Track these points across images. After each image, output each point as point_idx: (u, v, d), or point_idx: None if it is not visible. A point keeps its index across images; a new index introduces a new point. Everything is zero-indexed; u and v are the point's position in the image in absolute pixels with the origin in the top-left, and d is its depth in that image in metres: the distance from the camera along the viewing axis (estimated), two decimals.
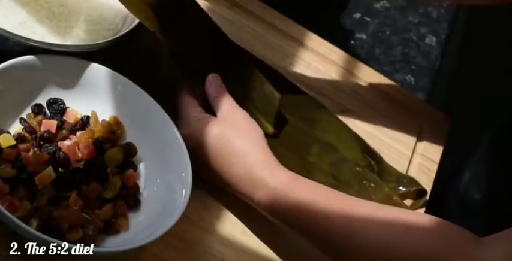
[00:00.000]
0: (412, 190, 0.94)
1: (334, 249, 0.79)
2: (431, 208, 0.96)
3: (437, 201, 0.97)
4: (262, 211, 0.83)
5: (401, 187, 0.94)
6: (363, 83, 1.06)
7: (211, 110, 0.87)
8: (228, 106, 0.87)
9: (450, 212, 0.82)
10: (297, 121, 0.93)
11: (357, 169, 0.91)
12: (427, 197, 0.95)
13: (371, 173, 0.92)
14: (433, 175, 1.03)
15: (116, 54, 0.90)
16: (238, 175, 0.83)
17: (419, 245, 0.75)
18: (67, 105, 0.85)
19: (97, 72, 0.86)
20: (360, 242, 0.77)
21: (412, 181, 0.95)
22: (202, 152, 0.84)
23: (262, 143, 0.85)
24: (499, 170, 1.13)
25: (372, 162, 0.95)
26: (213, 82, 0.88)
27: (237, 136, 0.84)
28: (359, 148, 0.96)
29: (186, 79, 0.89)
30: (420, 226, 0.76)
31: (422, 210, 0.95)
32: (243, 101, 0.88)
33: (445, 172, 1.08)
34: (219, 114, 0.87)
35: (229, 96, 0.88)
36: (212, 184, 0.87)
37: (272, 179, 0.82)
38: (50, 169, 0.78)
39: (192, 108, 0.87)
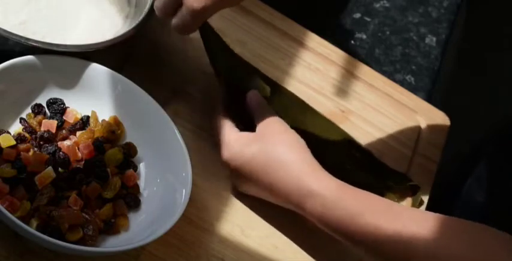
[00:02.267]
0: (405, 186, 0.94)
1: (385, 258, 0.79)
2: (431, 209, 0.96)
3: (438, 201, 0.97)
4: (313, 220, 0.83)
5: (392, 184, 0.94)
6: (362, 83, 1.06)
7: (248, 127, 0.88)
8: (268, 119, 0.87)
9: (452, 214, 0.82)
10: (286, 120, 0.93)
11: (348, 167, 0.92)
12: (427, 196, 0.95)
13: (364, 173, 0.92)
14: (433, 175, 1.03)
15: (116, 54, 0.90)
16: (287, 188, 0.83)
17: (463, 255, 0.75)
18: (67, 105, 0.85)
19: (97, 72, 0.86)
20: (409, 252, 0.77)
21: (404, 178, 0.95)
22: (246, 171, 0.85)
23: (305, 152, 0.84)
24: (503, 173, 1.13)
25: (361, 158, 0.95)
26: (253, 97, 0.89)
27: (279, 149, 0.84)
28: (347, 146, 0.96)
29: (221, 99, 0.90)
30: (468, 235, 0.77)
31: (423, 209, 0.95)
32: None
33: (445, 172, 1.07)
34: (258, 128, 0.87)
35: (270, 109, 0.89)
36: (209, 187, 0.87)
37: (321, 189, 0.81)
38: (50, 169, 0.79)
39: (228, 130, 0.87)
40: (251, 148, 0.84)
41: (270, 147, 0.84)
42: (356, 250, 0.83)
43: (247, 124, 0.88)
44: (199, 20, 0.85)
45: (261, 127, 0.87)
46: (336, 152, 0.94)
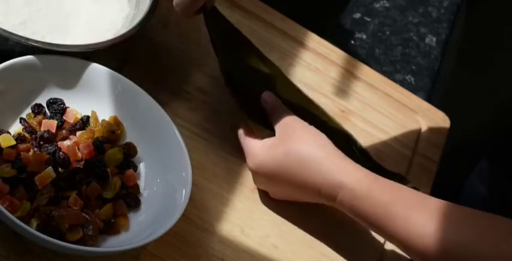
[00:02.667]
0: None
1: (414, 250, 0.81)
2: None
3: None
4: (344, 211, 0.84)
5: None
6: (362, 83, 1.06)
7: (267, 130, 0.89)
8: (286, 119, 0.88)
9: None
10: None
11: None
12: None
13: None
14: (433, 175, 1.03)
15: (116, 54, 0.90)
16: (317, 184, 0.84)
17: (500, 249, 0.76)
18: (67, 105, 0.85)
19: (97, 72, 0.86)
20: (438, 244, 0.78)
21: (402, 179, 0.96)
22: (277, 175, 0.85)
23: (330, 146, 0.85)
24: (503, 165, 1.13)
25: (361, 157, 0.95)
26: (268, 99, 0.90)
27: (305, 147, 0.84)
28: (347, 142, 0.96)
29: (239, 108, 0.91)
30: (500, 229, 0.78)
31: None
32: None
33: (445, 172, 1.08)
34: (277, 130, 0.87)
35: (286, 108, 0.90)
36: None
37: (351, 181, 0.82)
38: (50, 169, 0.79)
39: (249, 139, 0.89)
40: (277, 152, 0.85)
41: (296, 147, 0.85)
42: (385, 238, 0.85)
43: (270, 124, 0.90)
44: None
45: (280, 128, 0.88)
46: (337, 146, 0.94)
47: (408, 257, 0.87)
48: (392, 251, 0.93)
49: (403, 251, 0.84)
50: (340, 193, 0.83)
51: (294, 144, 0.85)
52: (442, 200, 0.82)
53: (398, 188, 0.83)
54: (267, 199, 0.91)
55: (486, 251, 0.77)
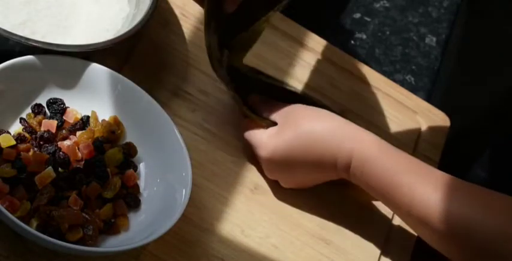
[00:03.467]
0: None
1: (418, 219, 0.82)
2: None
3: None
4: (357, 182, 0.85)
5: None
6: (363, 83, 1.06)
7: None
8: (280, 108, 0.89)
9: None
10: None
11: None
12: None
13: None
14: None
15: (116, 54, 0.90)
16: (333, 156, 0.84)
17: (500, 223, 0.78)
18: (67, 105, 0.85)
19: (97, 72, 0.86)
20: (441, 214, 0.79)
21: None
22: (291, 159, 0.86)
23: (335, 117, 0.87)
24: (504, 149, 1.13)
25: None
26: (255, 100, 0.91)
27: (314, 124, 0.86)
28: None
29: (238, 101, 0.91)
30: (502, 204, 0.79)
31: None
32: None
33: (445, 172, 1.07)
34: (278, 119, 0.88)
35: (277, 103, 0.90)
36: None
37: (361, 146, 0.84)
38: (50, 169, 0.78)
39: (255, 131, 0.89)
40: (287, 135, 0.86)
41: (304, 126, 0.86)
42: (389, 207, 0.86)
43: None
44: None
45: (280, 117, 0.88)
46: None
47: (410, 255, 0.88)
48: (392, 252, 0.93)
49: (407, 223, 0.85)
50: (352, 160, 0.84)
51: (302, 123, 0.86)
52: (449, 174, 0.83)
53: (407, 156, 0.84)
54: (267, 199, 0.91)
55: (489, 226, 0.78)
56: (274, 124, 0.89)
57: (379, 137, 0.86)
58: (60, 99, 0.85)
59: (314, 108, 0.89)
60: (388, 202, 0.85)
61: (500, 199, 0.80)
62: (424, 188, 0.81)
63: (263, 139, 0.88)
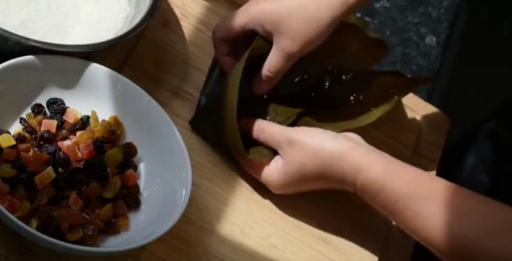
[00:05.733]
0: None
1: (422, 240, 0.82)
2: None
3: None
4: (362, 197, 0.86)
5: None
6: None
7: None
8: (277, 134, 0.88)
9: None
10: None
11: None
12: None
13: None
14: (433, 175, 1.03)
15: (116, 54, 0.90)
16: (341, 174, 0.85)
17: (505, 245, 0.77)
18: (67, 105, 0.85)
19: (97, 72, 0.86)
20: (445, 238, 0.79)
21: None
22: (304, 183, 0.87)
23: (337, 136, 0.87)
24: (505, 152, 1.13)
25: None
26: (249, 123, 0.90)
27: (325, 145, 0.85)
28: None
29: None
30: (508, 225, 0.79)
31: None
32: None
33: (445, 172, 1.07)
34: (280, 147, 0.87)
35: (274, 125, 0.89)
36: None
37: (368, 167, 0.84)
38: (50, 169, 0.78)
39: (261, 171, 0.88)
40: (295, 165, 0.86)
41: (312, 149, 0.85)
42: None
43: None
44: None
45: (281, 144, 0.87)
46: None
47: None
48: (392, 253, 0.93)
49: (424, 245, 0.85)
50: (358, 178, 0.84)
51: (308, 148, 0.85)
52: (453, 187, 0.82)
53: (414, 176, 0.84)
54: (267, 199, 0.91)
55: (494, 248, 0.78)
56: (274, 152, 0.88)
57: (388, 157, 0.86)
58: (60, 99, 0.85)
59: (306, 128, 0.88)
60: (393, 219, 0.86)
61: (507, 218, 0.80)
62: (428, 212, 0.81)
63: (272, 175, 0.87)
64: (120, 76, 0.87)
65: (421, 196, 0.82)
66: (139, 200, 0.83)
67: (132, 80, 0.87)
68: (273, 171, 0.87)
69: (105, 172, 0.81)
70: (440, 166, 1.05)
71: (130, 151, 0.85)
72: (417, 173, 0.85)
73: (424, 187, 0.83)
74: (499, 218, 0.80)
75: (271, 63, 0.88)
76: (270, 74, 0.89)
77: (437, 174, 1.03)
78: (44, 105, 0.85)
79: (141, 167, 0.86)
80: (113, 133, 0.85)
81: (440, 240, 0.80)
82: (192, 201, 0.82)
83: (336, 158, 0.85)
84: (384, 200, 0.83)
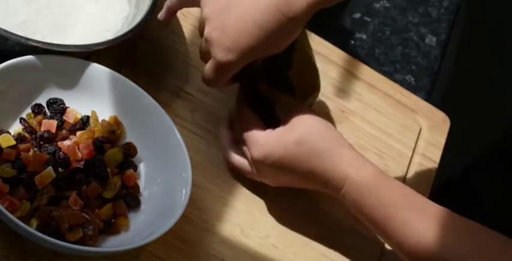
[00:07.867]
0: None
1: (407, 253, 0.82)
2: None
3: (437, 201, 0.97)
4: (347, 205, 0.85)
5: None
6: (363, 83, 1.06)
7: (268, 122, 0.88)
8: (290, 106, 0.87)
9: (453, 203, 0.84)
10: None
11: None
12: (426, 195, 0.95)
13: None
14: (433, 175, 1.03)
15: (116, 54, 0.90)
16: (325, 175, 0.84)
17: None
18: (67, 105, 0.85)
19: (97, 72, 0.86)
20: (432, 251, 0.79)
21: None
22: (284, 164, 0.85)
23: (338, 135, 0.86)
24: (504, 148, 1.13)
25: None
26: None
27: (317, 138, 0.85)
28: None
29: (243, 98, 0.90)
30: (494, 243, 0.80)
31: None
32: None
33: (445, 172, 1.08)
34: (283, 117, 0.87)
35: (287, 96, 0.89)
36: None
37: (356, 175, 0.83)
38: (50, 169, 0.79)
39: (254, 129, 0.87)
40: (287, 140, 0.84)
41: (308, 136, 0.84)
42: (381, 237, 0.86)
43: (266, 120, 0.88)
44: (224, 73, 0.84)
45: (286, 115, 0.87)
46: None
47: None
48: (392, 252, 0.93)
49: (396, 252, 0.84)
50: (344, 186, 0.83)
51: (305, 133, 0.85)
52: (443, 208, 0.82)
53: (403, 190, 0.84)
54: (267, 199, 0.91)
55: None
56: (277, 124, 0.88)
57: (379, 169, 0.85)
58: (60, 99, 0.85)
59: (318, 118, 0.87)
60: (379, 232, 0.85)
61: (493, 237, 0.80)
62: (418, 226, 0.81)
63: (261, 138, 0.86)
64: (120, 76, 0.87)
65: (413, 207, 0.82)
66: (139, 200, 0.83)
67: (132, 80, 0.87)
68: (263, 133, 0.86)
69: (105, 172, 0.81)
70: (440, 166, 1.05)
71: (130, 151, 0.85)
72: (404, 187, 0.85)
73: (415, 200, 0.83)
74: (485, 236, 0.80)
75: None
76: None
77: (437, 174, 1.04)
78: (44, 105, 0.85)
79: (141, 167, 0.86)
80: (113, 133, 0.85)
81: (430, 255, 0.80)
82: (192, 201, 0.82)
83: (326, 155, 0.84)
84: (373, 206, 0.83)
